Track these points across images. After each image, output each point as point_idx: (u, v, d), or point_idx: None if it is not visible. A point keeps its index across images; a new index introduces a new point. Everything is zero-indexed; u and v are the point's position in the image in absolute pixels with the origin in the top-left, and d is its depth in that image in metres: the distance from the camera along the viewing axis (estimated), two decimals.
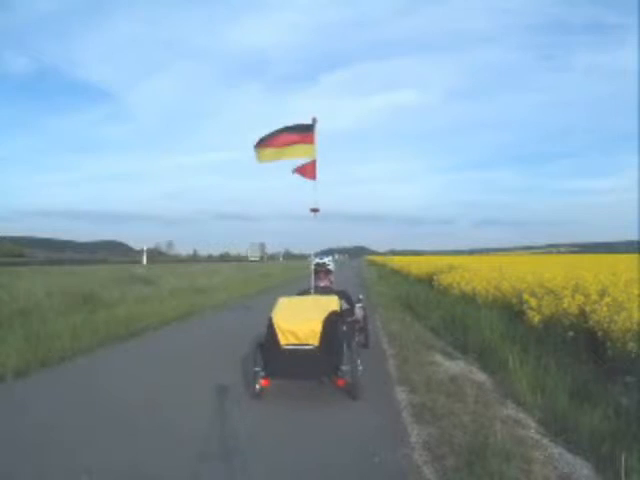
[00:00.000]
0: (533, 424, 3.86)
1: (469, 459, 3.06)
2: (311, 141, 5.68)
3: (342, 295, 5.67)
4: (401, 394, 4.62)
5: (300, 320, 4.46)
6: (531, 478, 2.88)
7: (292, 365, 4.40)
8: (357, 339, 5.64)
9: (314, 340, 4.37)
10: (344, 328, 4.78)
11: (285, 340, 4.40)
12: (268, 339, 4.50)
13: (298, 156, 5.71)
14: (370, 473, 2.99)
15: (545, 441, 3.51)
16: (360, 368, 4.50)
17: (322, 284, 5.93)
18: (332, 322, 4.47)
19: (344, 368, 4.37)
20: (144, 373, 5.63)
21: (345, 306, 5.53)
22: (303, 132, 5.66)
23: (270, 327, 4.50)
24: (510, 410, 4.17)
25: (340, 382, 4.42)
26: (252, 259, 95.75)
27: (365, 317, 6.05)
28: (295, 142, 5.63)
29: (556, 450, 3.36)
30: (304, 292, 5.82)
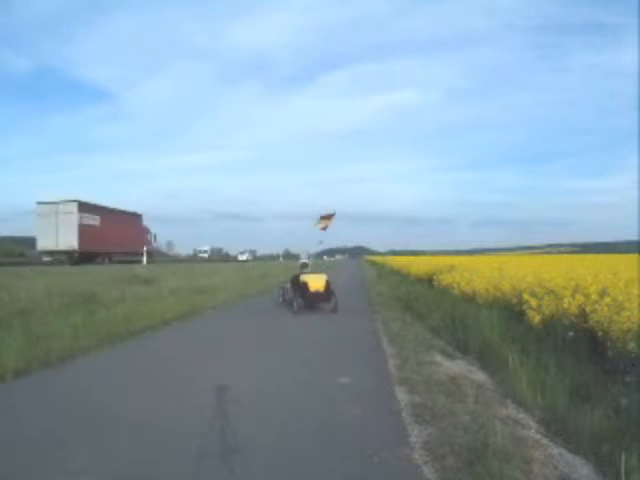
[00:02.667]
0: (533, 424, 3.86)
1: (469, 459, 3.06)
2: (330, 219, 13.47)
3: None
4: (401, 394, 4.62)
5: (317, 280, 10.94)
6: (531, 478, 2.89)
7: (313, 298, 10.78)
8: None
9: (322, 288, 10.82)
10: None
11: (311, 288, 10.71)
12: (303, 288, 10.71)
13: (326, 224, 13.56)
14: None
15: (545, 441, 3.51)
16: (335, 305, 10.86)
17: (305, 271, 11.77)
18: (327, 282, 10.93)
19: (332, 300, 10.81)
20: (144, 372, 5.64)
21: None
22: (330, 215, 13.54)
23: (304, 283, 10.78)
24: (510, 410, 4.17)
25: (330, 306, 10.79)
26: (303, 259, 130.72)
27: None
28: (325, 219, 13.40)
29: (556, 450, 3.36)
30: (296, 276, 11.52)
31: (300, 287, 10.78)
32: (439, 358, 6.18)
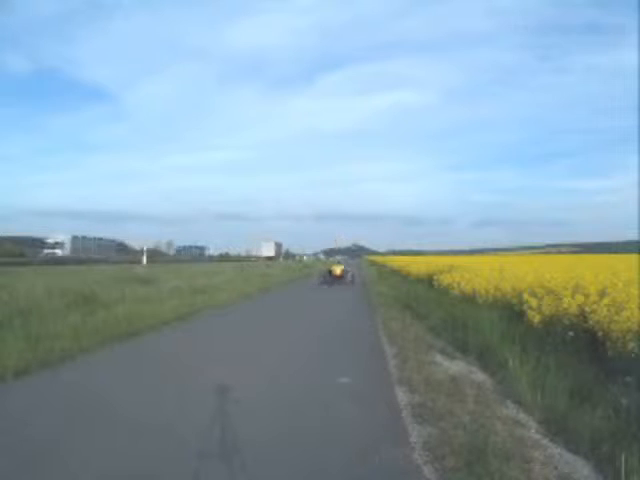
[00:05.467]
0: (533, 424, 3.86)
1: (469, 459, 3.06)
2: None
3: (347, 268, 24.46)
4: (401, 394, 4.62)
5: (337, 268, 23.66)
6: (531, 478, 2.89)
7: (335, 279, 22.66)
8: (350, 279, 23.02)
9: (341, 272, 23.04)
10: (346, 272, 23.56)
11: (334, 273, 22.99)
12: (330, 272, 23.17)
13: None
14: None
15: (545, 441, 3.52)
16: (350, 281, 23.10)
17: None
18: (343, 269, 23.41)
19: (347, 279, 22.97)
20: (144, 373, 5.64)
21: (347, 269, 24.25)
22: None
23: (330, 270, 23.62)
24: (510, 410, 4.17)
25: (346, 282, 22.65)
26: (321, 258, 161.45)
27: (353, 275, 23.28)
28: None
29: (556, 450, 3.36)
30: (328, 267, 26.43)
31: (329, 272, 22.87)
32: (439, 358, 6.18)
